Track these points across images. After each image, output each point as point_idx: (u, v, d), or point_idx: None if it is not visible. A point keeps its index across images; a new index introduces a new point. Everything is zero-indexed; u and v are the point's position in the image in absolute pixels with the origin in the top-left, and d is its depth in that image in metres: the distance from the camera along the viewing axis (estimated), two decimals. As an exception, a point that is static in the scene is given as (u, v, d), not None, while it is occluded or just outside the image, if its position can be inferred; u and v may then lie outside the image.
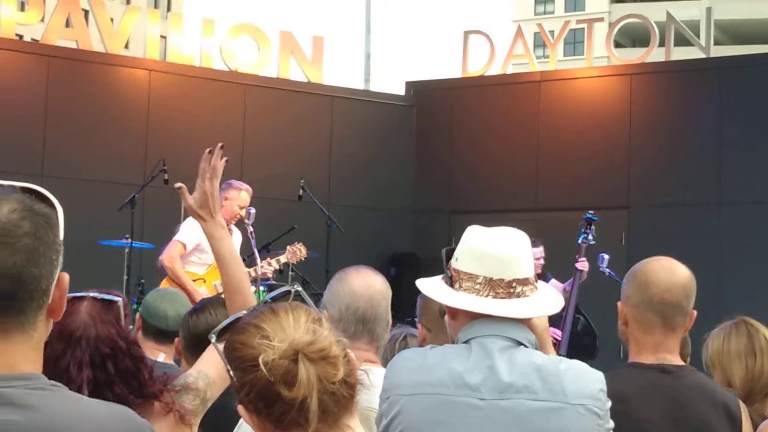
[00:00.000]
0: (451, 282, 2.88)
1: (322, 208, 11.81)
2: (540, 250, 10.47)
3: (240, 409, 2.07)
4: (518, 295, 2.81)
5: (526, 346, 2.78)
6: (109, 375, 2.97)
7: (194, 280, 8.70)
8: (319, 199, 12.01)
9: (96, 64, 12.90)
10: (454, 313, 2.89)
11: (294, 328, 2.02)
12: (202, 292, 8.58)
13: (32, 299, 1.76)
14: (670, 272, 3.41)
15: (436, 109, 14.84)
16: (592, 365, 2.81)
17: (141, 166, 12.11)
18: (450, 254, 2.94)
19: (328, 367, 2.00)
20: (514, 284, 2.81)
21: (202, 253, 8.96)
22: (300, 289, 2.40)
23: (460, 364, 2.74)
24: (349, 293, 3.41)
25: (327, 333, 2.04)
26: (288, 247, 9.67)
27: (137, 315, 4.64)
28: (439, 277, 2.96)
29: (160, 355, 4.49)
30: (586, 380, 2.75)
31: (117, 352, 3.01)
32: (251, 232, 9.78)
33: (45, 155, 12.29)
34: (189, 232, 8.79)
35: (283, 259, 9.50)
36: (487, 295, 2.80)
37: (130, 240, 10.14)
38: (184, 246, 8.73)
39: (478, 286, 2.81)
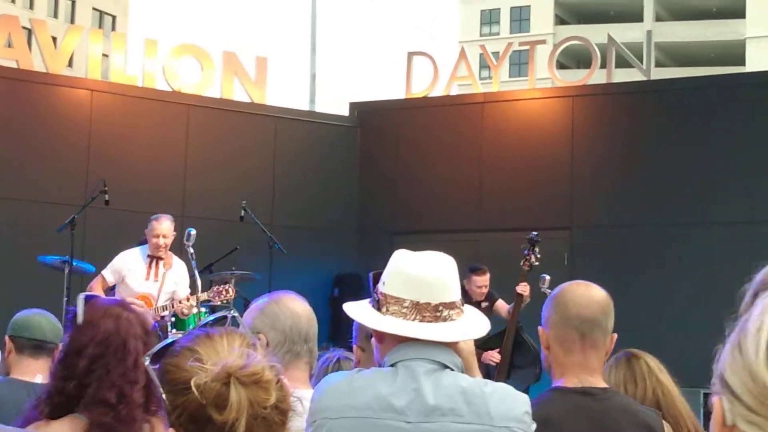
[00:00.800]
0: (378, 306, 2.88)
1: (264, 229, 11.75)
2: (486, 278, 10.50)
3: (171, 431, 2.05)
4: (445, 319, 2.82)
5: (452, 369, 2.79)
6: (147, 349, 3.17)
7: None
8: (262, 219, 11.96)
9: (37, 84, 12.78)
10: (381, 336, 2.89)
11: (228, 352, 2.01)
12: None
13: None
14: (586, 290, 3.45)
15: (380, 129, 14.86)
16: (536, 389, 2.82)
17: (82, 187, 12.00)
18: (377, 278, 2.95)
19: (260, 392, 1.98)
20: (440, 308, 2.82)
21: (127, 288, 9.32)
22: (236, 314, 2.40)
23: (386, 387, 2.74)
24: (291, 314, 3.41)
25: (260, 358, 2.03)
26: (215, 288, 9.71)
27: (5, 338, 4.38)
28: (366, 301, 2.96)
29: (37, 376, 4.23)
30: (512, 403, 2.76)
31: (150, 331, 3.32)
32: (191, 254, 9.71)
33: None
34: (111, 268, 9.37)
35: (204, 296, 9.55)
36: (414, 319, 2.81)
37: (70, 256, 10.01)
38: (104, 279, 9.31)
39: (405, 310, 2.82)
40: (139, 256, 9.45)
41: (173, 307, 9.43)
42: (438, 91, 14.86)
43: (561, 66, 16.79)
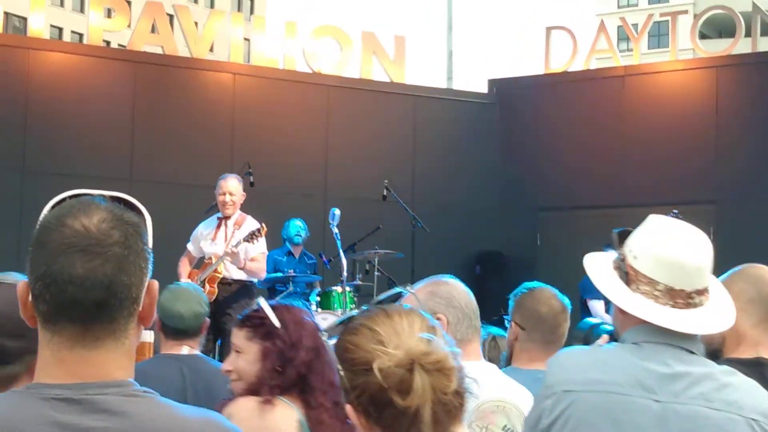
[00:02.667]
0: (627, 279, 2.78)
1: (406, 208, 11.80)
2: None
3: (348, 408, 2.07)
4: (695, 305, 2.72)
5: (697, 355, 2.72)
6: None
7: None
8: (403, 198, 12.02)
9: (181, 68, 13.05)
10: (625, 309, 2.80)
11: (408, 335, 2.01)
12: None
13: (123, 307, 1.79)
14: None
15: (519, 105, 14.75)
16: None
17: (227, 169, 12.21)
18: (623, 237, 2.84)
19: (443, 379, 1.99)
20: (693, 295, 2.72)
21: (201, 252, 9.44)
22: (413, 291, 2.34)
23: (635, 364, 2.68)
24: (462, 291, 3.43)
25: (441, 342, 2.03)
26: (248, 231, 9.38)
27: (156, 316, 4.65)
28: (609, 263, 2.87)
29: (183, 348, 4.59)
30: (761, 397, 2.68)
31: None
32: (336, 234, 9.80)
33: (133, 160, 12.46)
34: (191, 239, 9.53)
35: (236, 241, 9.27)
36: (665, 304, 2.71)
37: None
38: (189, 253, 9.50)
39: (657, 293, 2.72)
40: (211, 221, 9.49)
41: (221, 263, 9.24)
42: (577, 66, 14.67)
43: (702, 36, 16.39)
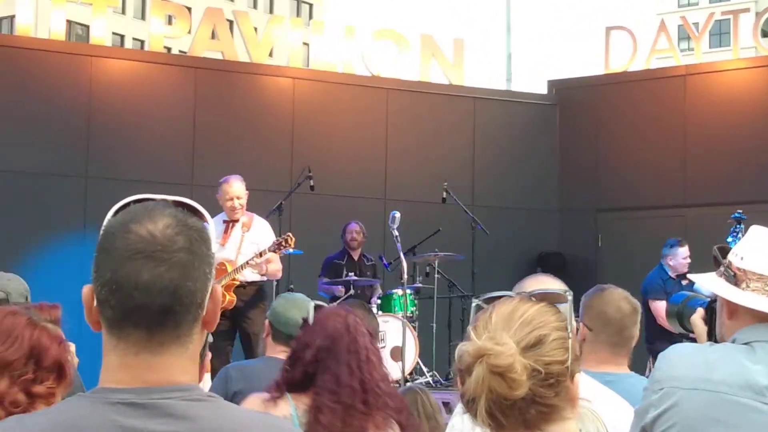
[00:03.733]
0: (735, 281, 2.79)
1: (466, 210, 11.79)
2: (685, 250, 10.31)
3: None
4: None
5: None
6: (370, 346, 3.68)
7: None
8: (462, 200, 12.01)
9: (241, 73, 13.13)
10: (734, 312, 2.80)
11: (500, 329, 2.00)
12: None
13: (188, 312, 1.79)
14: None
15: (579, 106, 14.67)
16: None
17: (287, 173, 12.29)
18: (723, 252, 2.88)
19: (503, 383, 1.97)
20: None
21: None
22: (569, 297, 2.25)
23: (744, 365, 2.65)
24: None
25: (512, 347, 1.99)
26: (274, 241, 9.13)
27: (266, 322, 4.87)
28: (713, 274, 2.89)
29: None
30: None
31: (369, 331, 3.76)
32: (396, 236, 9.80)
33: (194, 165, 12.56)
34: None
35: (266, 252, 9.06)
36: None
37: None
38: None
39: None
40: (216, 224, 9.04)
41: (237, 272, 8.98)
42: (638, 66, 14.55)
43: (765, 34, 16.17)
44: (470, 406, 1.99)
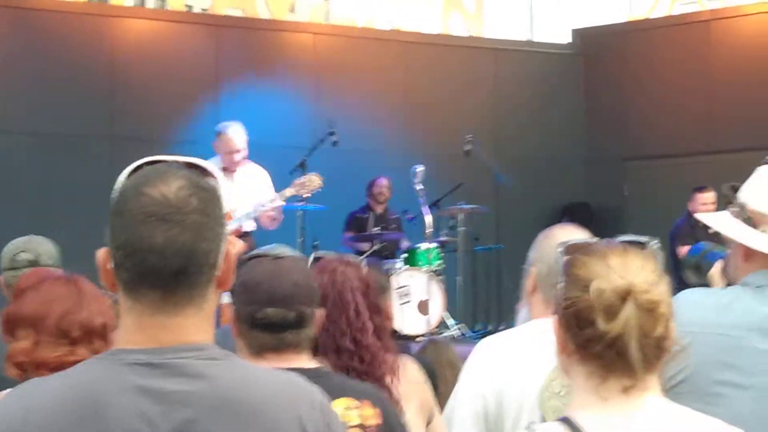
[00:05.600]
0: (752, 223, 2.77)
1: (488, 163, 11.76)
2: (704, 196, 10.29)
3: (553, 321, 2.11)
4: None
5: None
6: (369, 301, 3.44)
7: None
8: (485, 153, 11.97)
9: (263, 30, 13.10)
10: (750, 255, 2.78)
11: (636, 272, 2.05)
12: None
13: (202, 273, 1.82)
14: None
15: (603, 55, 14.55)
16: None
17: (310, 130, 12.27)
18: (736, 189, 2.86)
19: (652, 320, 2.02)
20: None
21: None
22: (656, 246, 2.36)
23: (755, 309, 2.66)
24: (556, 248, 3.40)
25: (663, 289, 2.07)
26: (296, 181, 8.95)
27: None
28: (725, 213, 2.87)
29: None
30: None
31: (371, 284, 3.52)
32: (419, 190, 9.79)
33: (219, 121, 12.53)
34: None
35: (288, 191, 8.89)
36: None
37: (304, 203, 10.23)
38: None
39: None
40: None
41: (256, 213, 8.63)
42: (661, 11, 14.43)
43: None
44: (612, 348, 2.00)
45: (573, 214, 13.59)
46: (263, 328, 2.78)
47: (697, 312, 2.70)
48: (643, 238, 2.22)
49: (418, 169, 10.13)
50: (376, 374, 3.31)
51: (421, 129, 13.43)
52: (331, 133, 10.99)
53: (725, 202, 2.92)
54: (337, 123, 11.26)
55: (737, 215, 2.82)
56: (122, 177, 1.87)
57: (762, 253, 2.73)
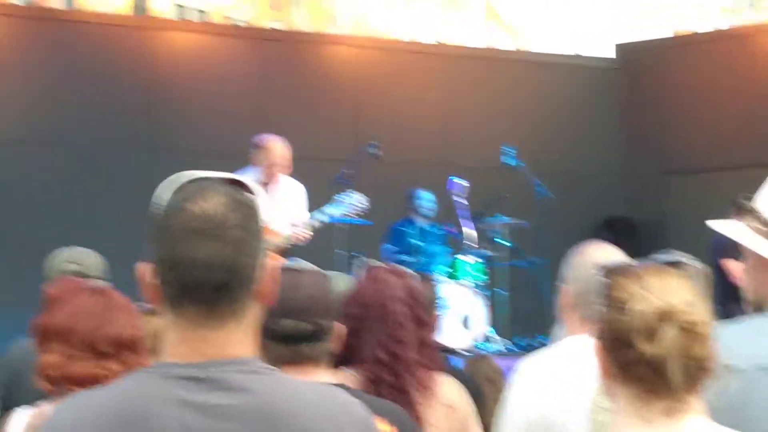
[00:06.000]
0: None
1: (530, 175, 11.74)
2: None
3: (595, 344, 2.11)
4: None
5: None
6: (414, 314, 3.42)
7: None
8: (527, 166, 11.95)
9: (303, 43, 13.15)
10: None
11: (674, 292, 2.05)
12: None
13: (243, 287, 1.85)
14: None
15: (645, 69, 14.49)
16: None
17: (353, 145, 12.27)
18: (742, 204, 2.79)
19: (693, 341, 2.02)
20: None
21: None
22: (695, 265, 2.34)
23: None
24: (589, 265, 3.37)
25: (702, 310, 2.06)
26: (338, 198, 8.95)
27: None
28: (742, 226, 2.78)
29: None
30: None
31: (418, 297, 3.50)
32: (462, 203, 9.76)
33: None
34: None
35: (332, 211, 8.88)
36: None
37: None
38: None
39: None
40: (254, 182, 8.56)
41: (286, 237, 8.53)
42: (704, 26, 14.36)
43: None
44: (654, 371, 2.00)
45: (615, 228, 13.54)
46: (279, 340, 2.78)
47: (737, 344, 2.51)
48: (681, 258, 2.21)
49: (460, 182, 10.11)
50: (405, 389, 3.28)
51: (463, 142, 13.41)
52: (373, 146, 11.00)
53: (739, 213, 2.81)
54: (380, 136, 11.29)
55: (755, 228, 2.72)
56: (164, 193, 1.90)
57: None
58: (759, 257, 2.73)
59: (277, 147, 8.87)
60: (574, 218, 13.13)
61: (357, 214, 9.03)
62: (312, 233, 8.74)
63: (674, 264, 2.15)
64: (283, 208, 8.71)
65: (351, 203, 8.94)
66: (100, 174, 11.79)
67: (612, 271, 2.15)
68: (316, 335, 2.81)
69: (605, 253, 3.36)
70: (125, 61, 12.19)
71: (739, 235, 2.76)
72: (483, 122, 13.50)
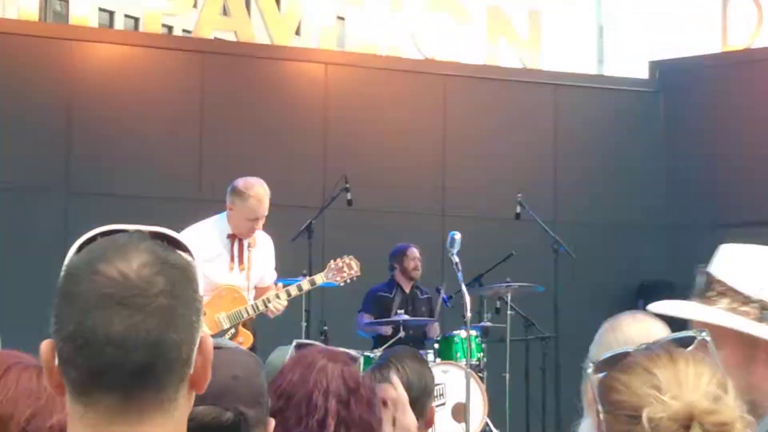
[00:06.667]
0: (761, 316, 2.74)
1: (546, 228, 11.74)
2: None
3: None
4: None
5: None
6: (350, 414, 3.31)
7: None
8: (542, 216, 11.95)
9: (260, 59, 13.19)
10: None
11: (693, 387, 2.04)
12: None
13: (172, 371, 1.80)
14: None
15: (689, 93, 14.60)
16: None
17: (319, 183, 12.30)
18: (710, 276, 2.82)
19: None
20: None
21: (205, 282, 8.31)
22: (708, 339, 2.38)
23: None
24: (624, 343, 3.37)
25: (732, 404, 2.05)
26: (332, 264, 9.01)
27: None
28: (715, 310, 2.83)
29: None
30: None
31: (359, 391, 3.37)
32: (456, 263, 9.75)
33: (202, 175, 12.58)
34: None
35: (319, 278, 8.91)
36: None
37: (308, 271, 10.21)
38: None
39: None
40: (218, 236, 8.58)
41: (263, 306, 8.55)
42: (764, 41, 14.47)
43: None
44: None
45: (652, 294, 13.48)
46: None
47: None
48: (693, 332, 2.22)
49: (455, 236, 10.07)
50: None
51: (461, 184, 13.44)
52: (345, 190, 11.00)
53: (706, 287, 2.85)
54: (353, 176, 11.27)
55: (738, 311, 2.77)
56: (72, 251, 1.86)
57: None
58: (738, 345, 2.76)
59: (266, 198, 8.75)
60: (602, 282, 13.14)
61: (346, 281, 9.06)
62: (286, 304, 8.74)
63: (685, 341, 2.15)
64: (257, 270, 8.74)
65: (344, 270, 8.96)
66: (10, 217, 11.75)
67: (606, 366, 2.14)
68: (238, 426, 2.72)
69: (645, 328, 3.32)
70: (39, 77, 12.20)
71: (731, 322, 2.77)
72: (486, 160, 13.53)
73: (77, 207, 11.81)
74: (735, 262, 2.84)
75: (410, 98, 13.57)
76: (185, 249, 1.90)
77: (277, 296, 8.57)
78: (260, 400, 2.78)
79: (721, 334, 2.71)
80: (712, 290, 2.83)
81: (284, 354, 4.73)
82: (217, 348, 2.69)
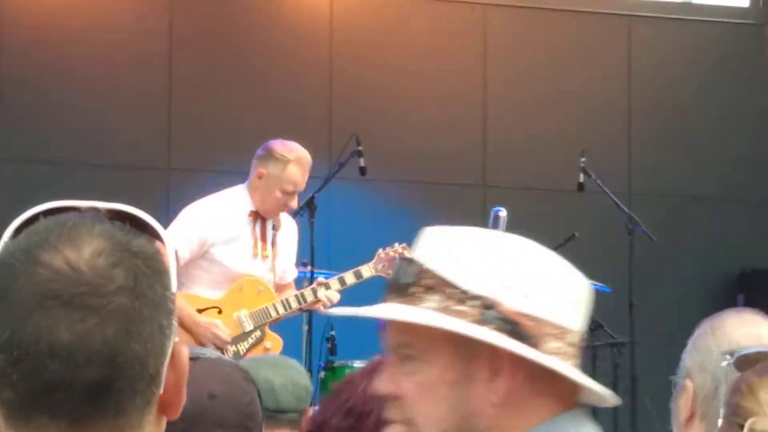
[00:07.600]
0: (521, 336, 2.51)
1: (617, 203, 11.73)
2: None
3: None
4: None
5: None
6: None
7: (201, 310, 8.53)
8: (612, 187, 11.93)
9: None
10: (522, 390, 2.55)
11: None
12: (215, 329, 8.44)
13: (135, 391, 1.77)
14: None
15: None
16: None
17: (323, 148, 12.28)
18: (411, 263, 2.62)
19: None
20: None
21: (213, 263, 8.63)
22: None
23: None
24: (728, 350, 3.37)
25: None
26: (380, 251, 9.21)
27: None
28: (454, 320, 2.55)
29: None
30: None
31: None
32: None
33: (171, 139, 12.58)
34: (182, 230, 8.47)
35: (366, 271, 9.11)
36: (574, 363, 2.56)
37: (309, 269, 10.19)
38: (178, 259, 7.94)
39: (570, 349, 2.57)
40: (238, 213, 8.75)
41: (305, 300, 8.72)
42: None
43: None
44: None
45: (754, 287, 13.53)
46: None
47: None
48: None
49: (499, 213, 10.09)
50: None
51: (506, 148, 13.42)
52: (357, 153, 11.00)
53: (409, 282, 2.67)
54: (366, 137, 11.26)
55: (476, 319, 2.50)
56: (5, 236, 1.83)
57: (546, 388, 2.53)
58: (455, 358, 2.56)
59: (309, 166, 8.99)
60: (689, 271, 13.13)
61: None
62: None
63: None
64: (282, 258, 8.90)
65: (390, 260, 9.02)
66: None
67: (749, 362, 2.23)
68: None
69: (755, 331, 3.31)
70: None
71: (423, 318, 2.54)
72: (538, 113, 13.52)
73: (4, 177, 11.85)
74: (447, 248, 2.60)
75: (440, 34, 13.55)
76: (155, 233, 1.86)
77: (326, 286, 8.72)
78: (247, 424, 2.80)
79: (430, 342, 2.56)
80: (417, 284, 2.58)
81: (260, 361, 4.84)
82: (192, 359, 2.70)
